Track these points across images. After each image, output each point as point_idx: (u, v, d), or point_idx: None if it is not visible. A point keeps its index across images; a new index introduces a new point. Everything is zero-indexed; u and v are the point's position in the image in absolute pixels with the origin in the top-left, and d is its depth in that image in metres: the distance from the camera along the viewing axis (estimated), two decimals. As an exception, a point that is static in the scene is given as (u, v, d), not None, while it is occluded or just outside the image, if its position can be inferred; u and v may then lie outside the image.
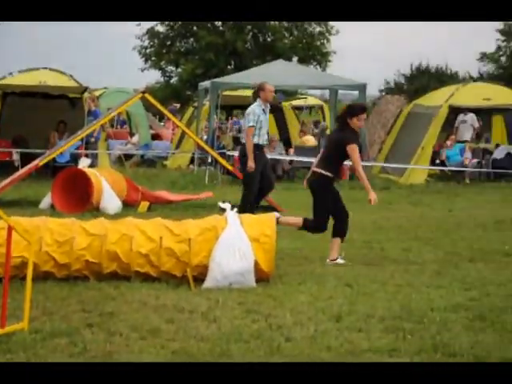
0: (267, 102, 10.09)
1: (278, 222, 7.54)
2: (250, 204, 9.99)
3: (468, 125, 18.26)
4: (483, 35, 69.26)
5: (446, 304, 6.07)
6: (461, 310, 5.88)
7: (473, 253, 8.42)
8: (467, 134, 18.18)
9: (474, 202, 13.35)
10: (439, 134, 17.38)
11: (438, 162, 17.54)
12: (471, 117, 18.26)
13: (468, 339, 5.13)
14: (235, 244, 6.56)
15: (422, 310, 5.86)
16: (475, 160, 17.40)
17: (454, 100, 17.14)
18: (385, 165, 17.43)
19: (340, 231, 7.83)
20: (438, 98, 17.63)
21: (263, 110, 9.98)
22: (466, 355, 4.79)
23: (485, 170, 17.17)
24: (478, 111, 18.22)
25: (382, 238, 9.35)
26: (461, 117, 18.36)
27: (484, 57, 48.31)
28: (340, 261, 7.80)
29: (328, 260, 7.81)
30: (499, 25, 47.01)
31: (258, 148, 9.97)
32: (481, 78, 42.65)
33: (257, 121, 9.87)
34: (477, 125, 18.47)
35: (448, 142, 17.65)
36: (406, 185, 15.78)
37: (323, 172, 7.74)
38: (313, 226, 7.85)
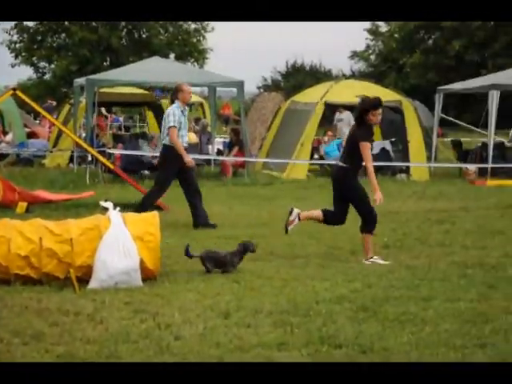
0: (186, 103, 10.04)
1: (299, 219, 8.02)
2: (152, 202, 9.91)
3: (345, 122, 18.78)
4: (353, 34, 71.59)
5: (330, 296, 6.20)
6: (345, 302, 6.03)
7: (354, 246, 8.63)
8: (346, 131, 18.67)
9: (352, 196, 13.69)
10: (317, 130, 17.76)
11: (316, 157, 17.93)
12: (348, 115, 18.79)
13: (352, 330, 5.27)
14: (120, 243, 6.44)
15: (307, 303, 5.96)
16: (352, 155, 17.90)
17: (328, 97, 17.54)
18: (267, 160, 17.62)
19: (370, 227, 7.87)
20: (314, 95, 18.00)
21: (182, 111, 9.88)
22: (351, 346, 4.92)
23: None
24: (351, 108, 18.74)
25: (267, 233, 9.45)
26: (337, 115, 18.85)
27: (355, 55, 50.05)
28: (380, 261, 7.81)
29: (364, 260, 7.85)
30: (367, 24, 48.90)
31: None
32: (353, 75, 44.05)
33: (177, 122, 9.77)
34: (353, 122, 19.02)
35: (325, 138, 18.06)
36: (288, 180, 16.03)
37: (343, 165, 7.90)
38: (333, 219, 8.02)
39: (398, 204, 12.51)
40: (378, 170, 17.20)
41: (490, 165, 16.29)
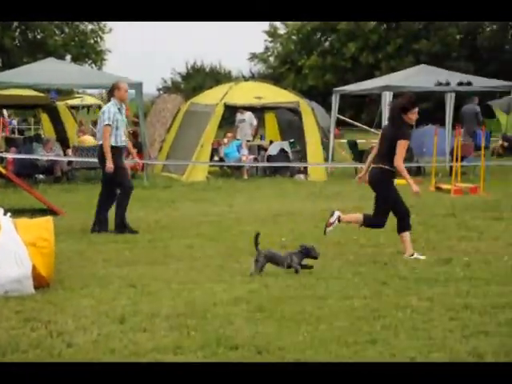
0: (123, 101, 9.84)
1: (339, 221, 7.89)
2: (124, 208, 9.66)
3: (247, 123, 18.90)
4: (252, 36, 72.13)
5: (228, 298, 6.22)
6: (242, 303, 6.06)
7: (252, 247, 8.66)
8: (248, 132, 18.82)
9: (252, 197, 13.82)
10: (217, 132, 17.79)
11: (216, 159, 17.96)
12: (249, 115, 18.92)
13: (249, 331, 5.30)
14: (10, 250, 6.23)
15: (205, 306, 5.96)
16: (252, 156, 18.05)
17: (228, 98, 17.60)
18: (166, 163, 17.52)
19: (406, 225, 7.96)
20: (214, 97, 18.01)
21: (119, 109, 9.67)
22: (247, 346, 4.95)
23: (261, 164, 17.85)
24: (251, 109, 18.88)
25: (166, 236, 9.39)
26: (239, 116, 18.93)
27: (254, 57, 50.56)
28: (419, 256, 7.88)
29: (406, 255, 7.89)
30: (266, 26, 49.51)
31: (117, 148, 9.63)
32: (252, 77, 44.43)
33: (113, 120, 9.54)
34: (255, 123, 19.19)
35: (225, 140, 18.10)
36: (188, 182, 15.98)
37: (383, 166, 7.79)
38: (373, 222, 7.99)
39: (296, 204, 12.71)
40: (276, 170, 17.63)
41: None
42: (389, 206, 7.93)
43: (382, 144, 8.01)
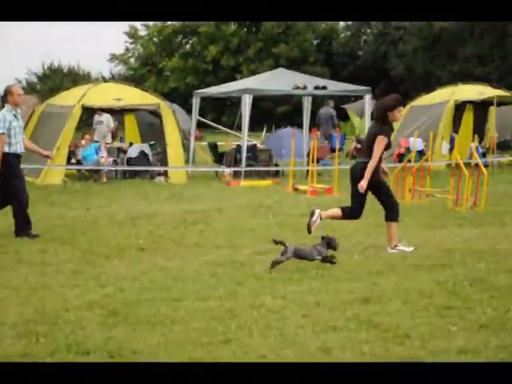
0: (17, 106, 9.38)
1: (321, 218, 8.09)
2: (23, 215, 9.36)
3: (105, 125, 18.56)
4: (112, 36, 70.81)
5: (81, 303, 6.07)
6: (96, 307, 5.93)
7: (109, 250, 8.54)
8: (105, 134, 18.47)
9: (111, 200, 13.58)
10: (74, 134, 17.35)
11: (74, 161, 17.51)
12: (107, 117, 18.58)
13: (102, 335, 5.20)
14: None
15: (56, 311, 5.80)
16: (111, 159, 17.75)
17: (86, 100, 17.23)
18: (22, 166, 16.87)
19: (394, 216, 8.24)
20: (71, 98, 17.57)
21: (14, 115, 9.25)
22: (99, 352, 4.85)
23: (121, 168, 17.59)
24: (111, 111, 18.59)
25: (17, 241, 9.09)
26: (97, 117, 18.56)
27: (114, 58, 49.89)
28: (405, 248, 8.17)
29: (389, 248, 8.11)
30: (126, 27, 49.04)
31: (16, 157, 9.33)
32: (112, 78, 43.79)
33: (8, 127, 9.16)
34: (112, 125, 18.88)
35: (83, 142, 17.70)
36: (43, 186, 15.48)
37: (365, 160, 8.10)
38: (350, 213, 8.25)
39: (155, 206, 12.62)
40: (136, 173, 17.42)
41: (243, 168, 16.98)
42: (388, 192, 8.36)
43: (366, 140, 8.46)
